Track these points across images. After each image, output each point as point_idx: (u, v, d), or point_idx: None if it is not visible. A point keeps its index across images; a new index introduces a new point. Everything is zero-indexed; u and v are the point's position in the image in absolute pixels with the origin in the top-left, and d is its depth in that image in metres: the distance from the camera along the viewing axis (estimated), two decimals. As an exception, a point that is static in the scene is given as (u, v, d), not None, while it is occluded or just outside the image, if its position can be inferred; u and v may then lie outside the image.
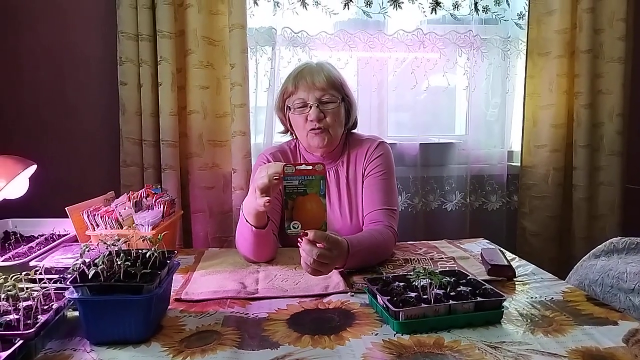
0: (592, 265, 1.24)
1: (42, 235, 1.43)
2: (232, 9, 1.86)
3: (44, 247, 1.28)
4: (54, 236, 1.42)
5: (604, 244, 1.26)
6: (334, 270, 1.20)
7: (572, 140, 2.16)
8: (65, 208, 1.30)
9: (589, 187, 2.15)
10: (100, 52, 1.92)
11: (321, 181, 1.06)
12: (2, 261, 1.18)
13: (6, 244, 1.33)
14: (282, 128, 1.59)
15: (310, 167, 1.07)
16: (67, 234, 1.41)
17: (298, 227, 1.06)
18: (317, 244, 1.09)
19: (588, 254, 1.29)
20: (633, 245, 1.19)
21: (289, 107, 1.46)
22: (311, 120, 1.41)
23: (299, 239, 1.10)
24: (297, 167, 1.07)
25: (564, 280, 1.25)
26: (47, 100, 1.93)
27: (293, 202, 1.06)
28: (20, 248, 1.30)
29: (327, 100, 1.42)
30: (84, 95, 1.95)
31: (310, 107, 1.41)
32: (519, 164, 2.24)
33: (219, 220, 1.99)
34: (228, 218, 1.98)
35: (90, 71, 1.94)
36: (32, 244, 1.34)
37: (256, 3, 1.98)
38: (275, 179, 1.11)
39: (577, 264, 1.30)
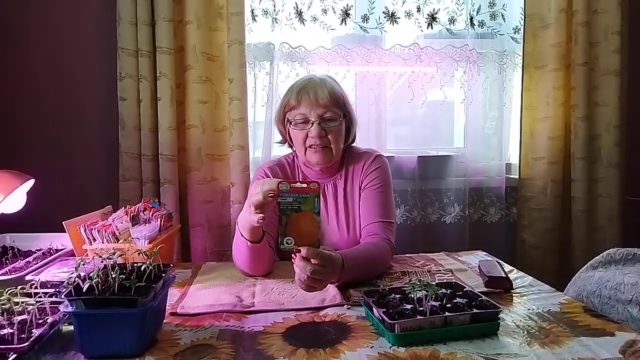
0: (589, 277, 1.23)
1: (39, 250, 1.43)
2: (230, 25, 1.88)
3: (41, 262, 1.28)
4: (52, 250, 1.42)
5: (601, 255, 1.25)
6: (330, 283, 1.20)
7: (570, 152, 2.17)
8: (63, 222, 1.30)
9: (587, 199, 2.14)
10: (100, 68, 1.94)
11: (315, 199, 1.06)
12: (-1, 276, 1.18)
13: (3, 259, 1.34)
14: (280, 139, 1.60)
15: (305, 185, 1.07)
16: (65, 249, 1.41)
17: (291, 242, 1.06)
18: (311, 260, 1.08)
19: (586, 266, 1.28)
20: (630, 256, 1.19)
21: (290, 121, 1.46)
22: (312, 137, 1.41)
23: (292, 255, 1.10)
24: (292, 184, 1.07)
25: (564, 292, 1.25)
26: (47, 115, 1.94)
27: (287, 218, 1.06)
28: (17, 263, 1.30)
29: (329, 117, 1.42)
30: (83, 111, 1.97)
31: (312, 123, 1.41)
32: (518, 177, 2.24)
33: (217, 234, 1.99)
34: (226, 232, 1.98)
35: (90, 87, 1.96)
36: (30, 259, 1.34)
37: (254, 19, 2.01)
38: (270, 196, 1.10)
39: (575, 275, 1.30)
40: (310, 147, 1.43)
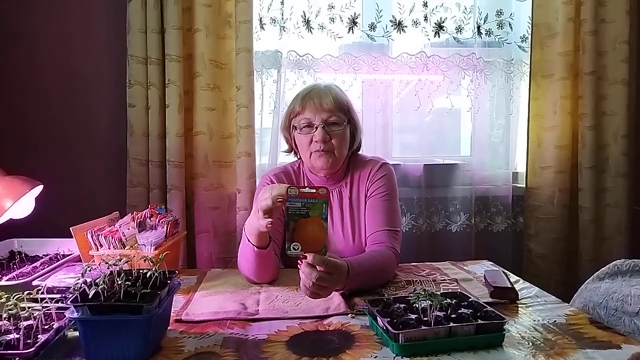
0: (596, 288, 1.22)
1: (46, 255, 1.44)
2: (238, 33, 1.90)
3: (48, 267, 1.29)
4: (59, 256, 1.43)
5: (607, 266, 1.24)
6: (335, 292, 1.20)
7: (577, 162, 2.15)
8: (70, 228, 1.31)
9: (595, 209, 2.13)
10: (109, 75, 1.96)
11: (324, 205, 1.06)
12: (6, 281, 1.19)
13: (11, 264, 1.35)
14: (286, 147, 1.61)
15: (314, 191, 1.07)
16: (72, 254, 1.42)
17: (298, 248, 1.06)
18: (317, 267, 1.08)
19: (592, 277, 1.27)
20: (637, 268, 1.18)
21: (295, 126, 1.47)
22: (316, 141, 1.42)
23: (298, 260, 1.10)
24: (300, 189, 1.07)
25: (570, 303, 1.24)
26: (56, 121, 1.96)
27: (295, 224, 1.06)
28: (24, 268, 1.31)
29: (334, 122, 1.43)
30: (92, 117, 1.99)
31: (316, 128, 1.42)
32: (524, 185, 2.22)
33: (223, 240, 1.99)
34: (232, 238, 1.98)
35: (99, 93, 1.98)
36: (37, 264, 1.35)
37: (262, 27, 2.02)
38: (279, 201, 1.11)
39: (582, 286, 1.29)
40: (315, 151, 1.44)
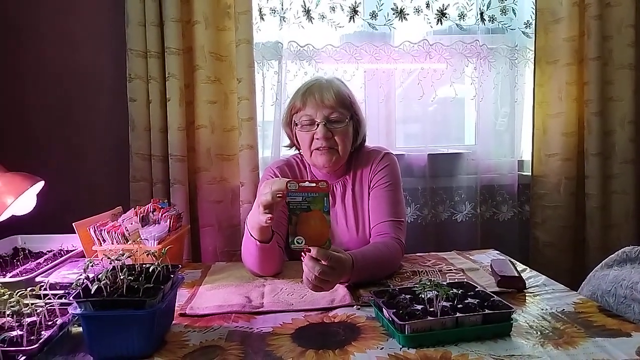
0: (604, 276, 1.21)
1: (50, 251, 1.44)
2: (238, 24, 1.88)
3: (51, 263, 1.29)
4: (63, 252, 1.43)
5: (616, 253, 1.22)
6: (339, 284, 1.19)
7: (584, 149, 2.13)
8: (73, 224, 1.31)
9: (602, 196, 2.11)
10: (109, 70, 1.95)
11: (325, 198, 1.05)
12: (10, 277, 1.18)
13: (15, 260, 1.34)
14: (288, 142, 1.59)
15: (314, 185, 1.06)
16: (75, 250, 1.42)
17: (302, 242, 1.05)
18: (321, 261, 1.07)
19: (600, 264, 1.25)
20: (646, 255, 1.16)
21: (296, 123, 1.44)
22: (318, 139, 1.39)
23: (302, 254, 1.09)
24: (300, 184, 1.06)
25: (578, 291, 1.23)
26: (57, 117, 1.96)
27: (297, 218, 1.05)
28: (28, 264, 1.31)
29: (336, 118, 1.40)
30: (93, 112, 1.98)
31: (318, 124, 1.39)
32: (530, 174, 2.20)
33: (227, 234, 1.99)
34: (236, 232, 1.98)
35: (100, 88, 1.97)
36: (40, 260, 1.34)
37: (262, 18, 2.00)
38: (279, 196, 1.10)
39: (590, 274, 1.27)
40: (316, 149, 1.41)
